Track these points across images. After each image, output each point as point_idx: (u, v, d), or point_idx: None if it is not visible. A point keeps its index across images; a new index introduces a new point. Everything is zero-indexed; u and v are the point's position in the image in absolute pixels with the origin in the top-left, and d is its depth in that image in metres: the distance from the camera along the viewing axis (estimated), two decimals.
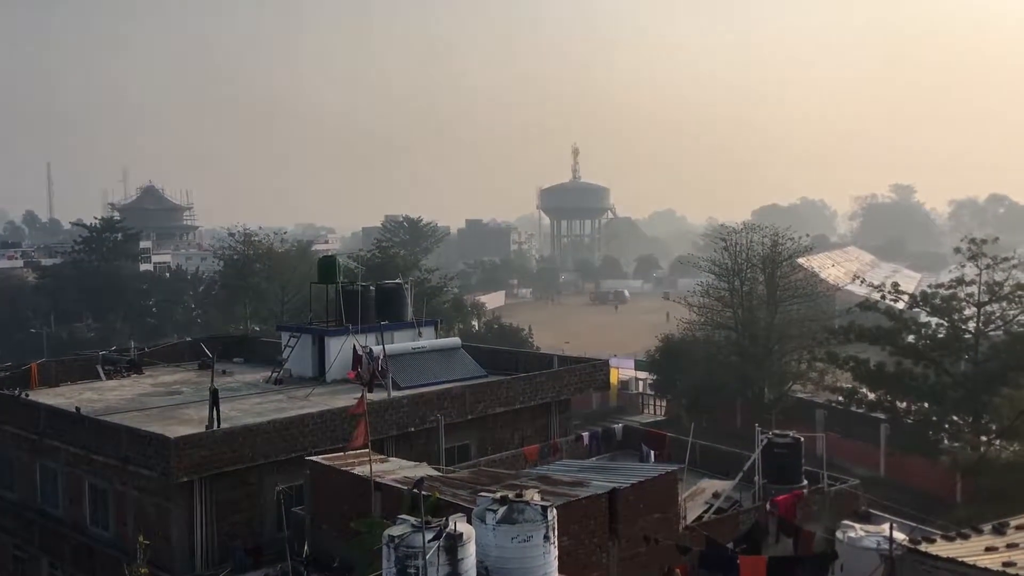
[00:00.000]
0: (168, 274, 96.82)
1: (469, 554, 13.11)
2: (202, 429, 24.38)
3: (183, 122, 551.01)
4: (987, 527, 16.75)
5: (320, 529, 20.83)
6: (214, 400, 25.17)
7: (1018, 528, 16.58)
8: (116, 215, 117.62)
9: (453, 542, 12.91)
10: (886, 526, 18.01)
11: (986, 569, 14.58)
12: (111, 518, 25.51)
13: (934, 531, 18.10)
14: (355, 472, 20.40)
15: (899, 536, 16.68)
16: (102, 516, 25.83)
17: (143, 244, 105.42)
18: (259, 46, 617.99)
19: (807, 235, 58.50)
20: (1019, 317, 39.27)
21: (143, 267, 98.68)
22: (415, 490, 16.59)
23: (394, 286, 36.96)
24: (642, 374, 58.32)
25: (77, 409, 26.82)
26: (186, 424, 25.85)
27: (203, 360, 35.89)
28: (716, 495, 23.84)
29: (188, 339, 44.58)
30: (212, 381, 26.30)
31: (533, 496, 14.55)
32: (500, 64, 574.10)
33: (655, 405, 54.91)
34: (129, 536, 23.75)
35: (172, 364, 37.46)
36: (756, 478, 23.82)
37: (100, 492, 25.82)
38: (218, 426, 24.72)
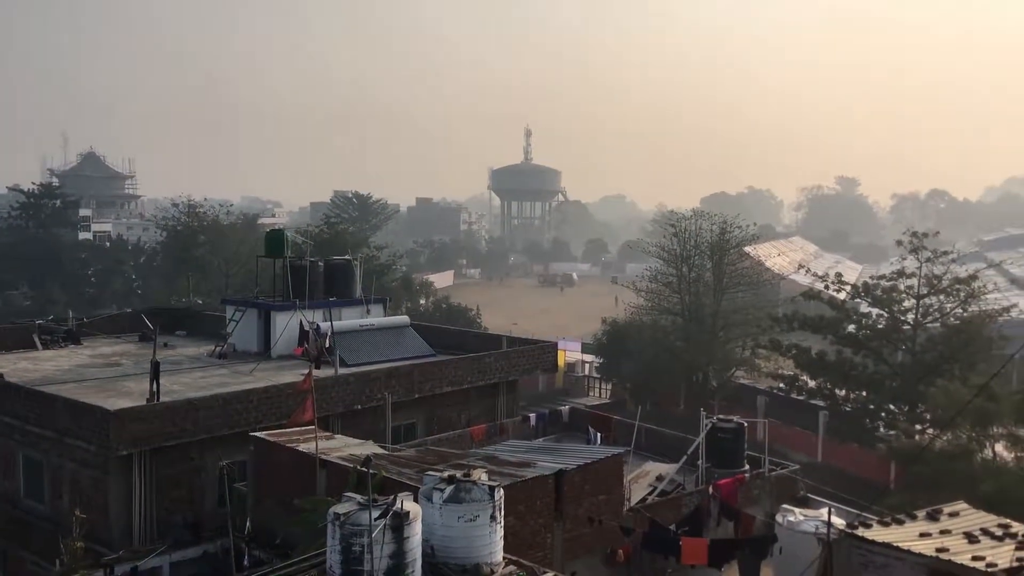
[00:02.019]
0: (108, 243, 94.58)
1: (415, 533, 13.06)
2: (143, 402, 23.88)
3: (126, 89, 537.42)
4: (921, 514, 17.22)
5: (263, 506, 20.59)
6: (155, 373, 24.63)
7: (950, 515, 17.07)
8: (55, 181, 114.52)
9: (399, 520, 12.84)
10: (824, 511, 18.42)
11: (920, 554, 14.98)
12: (46, 491, 24.87)
13: (870, 516, 18.53)
14: (300, 449, 20.18)
15: (837, 521, 17.04)
16: (36, 489, 25.17)
17: (83, 212, 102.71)
18: (207, 14, 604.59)
19: (754, 224, 59.38)
20: (956, 310, 40.36)
21: (82, 235, 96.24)
22: (363, 468, 16.48)
23: (343, 262, 36.53)
24: (589, 357, 58.73)
25: (1, 376, 26.13)
26: (126, 397, 25.27)
27: (144, 332, 35.12)
28: (660, 478, 24.13)
29: (128, 310, 43.63)
30: (154, 354, 25.74)
31: (480, 476, 14.54)
32: (453, 44, 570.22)
33: (601, 388, 55.35)
34: (65, 510, 23.20)
35: (111, 336, 36.60)
36: (700, 462, 24.15)
37: (35, 464, 25.15)
38: (159, 399, 24.23)
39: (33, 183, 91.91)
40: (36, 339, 33.73)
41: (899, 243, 44.10)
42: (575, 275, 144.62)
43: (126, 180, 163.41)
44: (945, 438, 28.28)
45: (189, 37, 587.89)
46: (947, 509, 17.28)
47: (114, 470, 22.68)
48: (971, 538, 15.67)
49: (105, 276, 78.92)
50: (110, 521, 22.81)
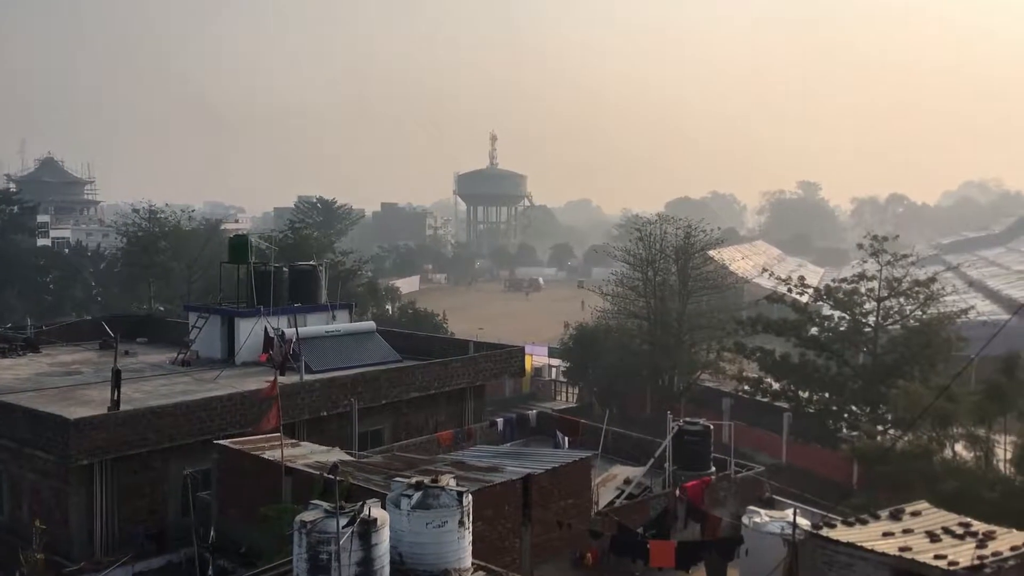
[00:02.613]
0: (67, 250, 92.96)
1: (383, 540, 12.97)
2: (103, 411, 23.50)
3: (86, 94, 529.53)
4: (884, 513, 17.43)
5: (227, 514, 20.35)
6: (116, 381, 24.26)
7: (913, 514, 17.30)
8: (12, 187, 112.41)
9: (367, 527, 12.75)
10: (790, 512, 18.58)
11: (883, 553, 15.16)
12: (5, 502, 24.42)
13: (834, 517, 18.73)
14: (265, 456, 19.99)
15: (802, 521, 17.21)
16: None
17: (41, 218, 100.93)
18: (165, 17, 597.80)
19: (718, 228, 59.89)
20: (915, 312, 41.00)
21: (40, 242, 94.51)
22: (329, 475, 16.35)
23: (308, 268, 36.30)
24: (556, 361, 58.79)
25: None
26: (86, 406, 24.87)
27: (104, 340, 34.61)
28: (628, 481, 24.21)
29: (88, 318, 42.95)
30: (115, 361, 25.36)
31: (448, 481, 14.48)
32: (418, 48, 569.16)
33: (567, 392, 55.43)
34: (25, 521, 22.77)
35: (71, 344, 36.05)
36: (667, 464, 24.27)
37: None
38: (120, 408, 23.85)
39: None
40: None
41: (860, 247, 44.72)
42: (541, 280, 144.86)
43: (85, 185, 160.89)
44: (906, 438, 28.68)
45: (148, 41, 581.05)
46: (909, 509, 17.52)
47: (74, 480, 22.30)
48: (933, 537, 15.90)
49: (64, 283, 77.53)
50: (71, 532, 22.43)
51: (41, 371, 30.64)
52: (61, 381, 28.87)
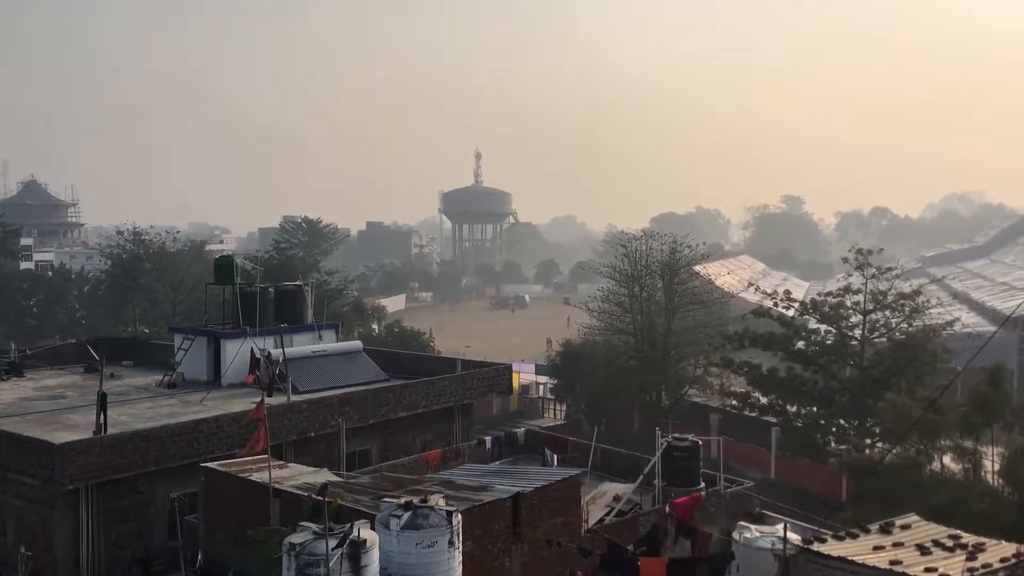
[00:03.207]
0: (51, 273, 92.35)
1: (373, 561, 12.91)
2: (89, 435, 23.30)
3: (68, 116, 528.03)
4: (874, 527, 17.46)
5: (215, 538, 20.17)
6: (102, 404, 24.06)
7: (903, 528, 17.34)
8: None
9: (357, 549, 12.68)
10: (780, 527, 18.57)
11: (874, 567, 15.19)
12: None
13: (825, 531, 18.74)
14: (252, 478, 19.83)
15: (792, 536, 17.22)
16: None
17: (24, 241, 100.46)
18: (146, 38, 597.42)
19: (703, 243, 60.12)
20: (901, 325, 41.23)
21: (24, 265, 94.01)
22: (318, 496, 16.24)
23: (293, 288, 36.20)
24: (543, 378, 58.75)
25: None
26: (71, 430, 24.65)
27: (89, 363, 34.35)
28: (617, 498, 24.13)
29: (73, 341, 42.65)
30: (100, 385, 25.17)
31: (437, 501, 14.42)
32: (400, 66, 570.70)
33: (555, 409, 55.37)
34: (10, 547, 22.48)
35: (56, 367, 35.76)
36: (656, 481, 24.23)
37: None
38: (106, 431, 23.66)
39: None
40: None
41: (845, 260, 45.00)
42: (527, 297, 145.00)
43: (69, 208, 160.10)
44: (895, 451, 28.76)
45: (130, 63, 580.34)
46: (899, 522, 17.56)
47: (60, 505, 22.08)
48: (923, 550, 15.94)
49: (48, 306, 77.02)
50: (56, 557, 22.18)
51: (25, 395, 30.37)
52: (46, 405, 28.62)
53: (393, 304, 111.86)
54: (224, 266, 35.52)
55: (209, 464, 21.06)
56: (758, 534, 19.39)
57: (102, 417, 23.98)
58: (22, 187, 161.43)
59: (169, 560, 21.82)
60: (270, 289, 34.70)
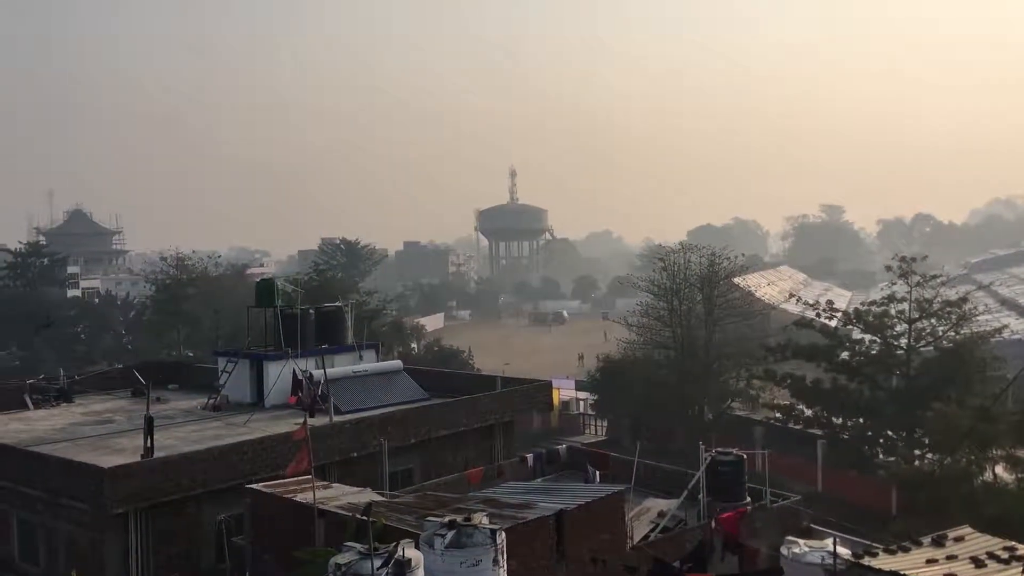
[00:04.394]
0: (97, 300, 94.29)
1: None
2: (137, 458, 23.65)
3: (111, 145, 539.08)
4: (926, 540, 17.08)
5: (262, 559, 20.31)
6: (149, 428, 24.44)
7: (956, 540, 16.94)
8: (42, 239, 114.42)
9: (401, 568, 12.69)
10: (829, 541, 18.26)
11: None
12: (41, 554, 24.53)
13: (875, 545, 18.39)
14: (297, 499, 19.97)
15: (842, 551, 16.92)
16: (32, 552, 24.83)
17: (71, 269, 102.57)
18: (185, 67, 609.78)
19: (742, 255, 59.67)
20: (948, 333, 40.51)
21: (71, 293, 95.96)
22: (363, 516, 16.32)
23: (333, 309, 36.51)
24: (583, 395, 58.53)
25: None
26: (120, 454, 25.04)
27: (136, 387, 34.92)
28: (662, 514, 23.90)
29: (119, 366, 43.37)
30: (147, 408, 25.56)
31: (481, 520, 14.40)
32: (436, 85, 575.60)
33: (596, 425, 55.10)
34: (61, 572, 22.84)
35: (103, 392, 36.36)
36: (701, 496, 23.96)
37: (29, 527, 24.82)
38: (153, 455, 24.00)
39: (20, 242, 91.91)
40: (27, 399, 33.49)
41: (888, 268, 44.38)
42: (565, 313, 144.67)
43: (114, 236, 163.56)
44: (945, 462, 28.22)
45: (172, 95, 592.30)
46: (952, 534, 17.16)
47: (110, 529, 22.39)
48: (978, 563, 15.55)
49: (95, 332, 78.57)
50: None
51: (74, 421, 30.91)
52: (94, 430, 29.10)
53: (432, 323, 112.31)
54: (265, 289, 35.95)
55: (254, 486, 21.24)
56: (807, 549, 19.05)
57: (149, 441, 24.35)
58: (68, 216, 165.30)
59: None
60: (310, 311, 35.03)
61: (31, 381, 35.81)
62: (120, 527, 22.45)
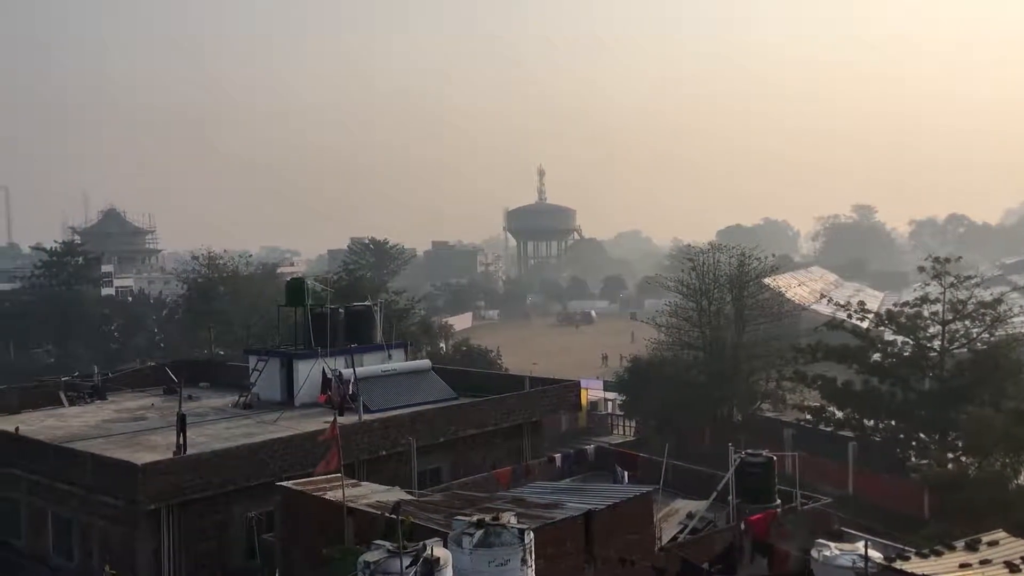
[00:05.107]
0: (130, 298, 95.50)
1: None
2: (169, 455, 23.93)
3: (143, 145, 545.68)
4: (960, 544, 16.86)
5: (291, 556, 20.47)
6: (181, 425, 24.71)
7: (990, 544, 16.71)
8: (77, 239, 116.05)
9: (430, 567, 12.73)
10: (860, 544, 18.07)
11: None
12: (75, 549, 24.90)
13: (908, 548, 18.18)
14: (327, 497, 20.11)
15: (874, 554, 16.74)
16: (66, 547, 25.21)
17: (105, 268, 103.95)
18: (216, 68, 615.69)
19: (772, 255, 59.18)
20: (983, 335, 39.95)
21: (105, 291, 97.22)
22: (392, 515, 16.40)
23: (363, 308, 36.70)
24: (611, 395, 58.36)
25: (16, 429, 26.51)
26: (152, 451, 25.36)
27: (168, 385, 35.33)
28: (690, 515, 23.81)
29: (152, 364, 43.86)
30: (179, 406, 25.85)
31: (509, 519, 14.41)
32: (464, 85, 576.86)
33: (624, 425, 54.92)
34: (95, 567, 23.16)
35: (136, 390, 36.81)
36: (730, 498, 23.82)
37: (64, 522, 25.20)
38: (185, 452, 24.27)
39: (55, 242, 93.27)
40: (62, 396, 34.00)
41: (921, 269, 43.84)
42: (594, 313, 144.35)
43: (147, 235, 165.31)
44: (978, 465, 27.83)
45: (204, 98, 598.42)
46: (986, 538, 16.93)
47: (142, 525, 22.67)
48: (1012, 567, 15.33)
49: (128, 331, 79.57)
50: None
51: (108, 418, 31.33)
52: (127, 427, 29.48)
53: (460, 323, 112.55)
54: (295, 288, 36.23)
55: (284, 483, 21.41)
56: (838, 552, 18.86)
57: (182, 438, 24.63)
58: (102, 216, 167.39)
59: None
60: (340, 310, 35.24)
61: (66, 378, 36.35)
62: (152, 523, 22.73)
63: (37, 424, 29.85)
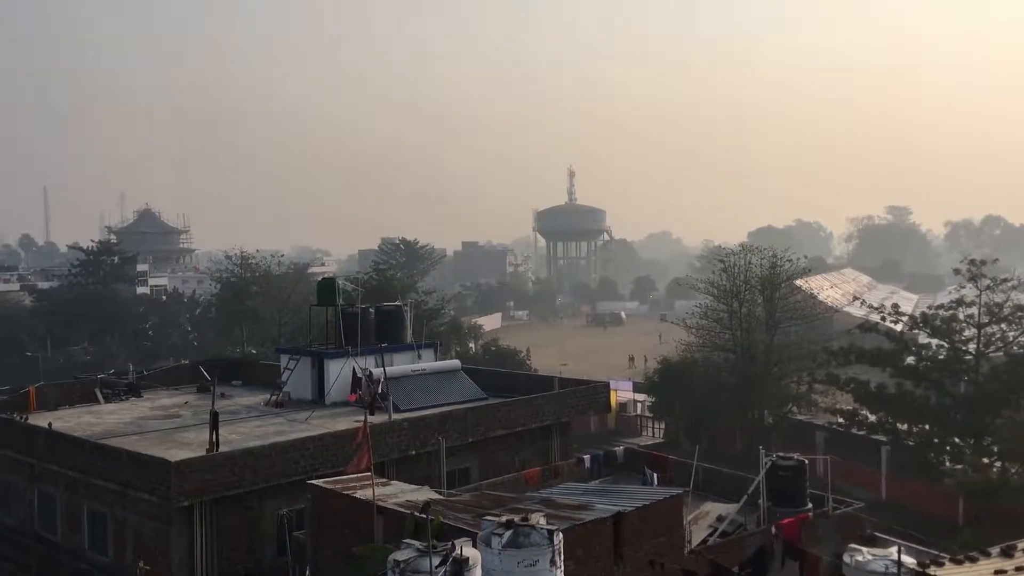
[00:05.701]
0: (165, 297, 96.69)
1: None
2: (202, 453, 24.20)
3: (180, 146, 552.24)
4: (995, 550, 16.62)
5: (321, 554, 20.63)
6: (214, 423, 24.97)
7: None
8: (113, 238, 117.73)
9: (459, 567, 12.77)
10: (893, 549, 17.86)
11: None
12: (110, 543, 25.26)
13: (942, 554, 17.97)
14: (357, 496, 20.23)
15: (907, 560, 16.54)
16: (101, 541, 25.58)
17: (140, 267, 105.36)
18: (251, 73, 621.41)
19: (804, 257, 58.63)
20: (1019, 338, 39.34)
21: (140, 290, 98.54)
22: (421, 513, 16.47)
23: (393, 308, 36.85)
24: (640, 396, 58.15)
25: (49, 424, 26.98)
26: (186, 448, 25.66)
27: (201, 383, 35.71)
28: (720, 518, 23.66)
29: (186, 362, 44.37)
30: (212, 404, 26.13)
31: (538, 520, 14.41)
32: (495, 86, 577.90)
33: (654, 427, 54.70)
34: (128, 562, 23.48)
35: (170, 387, 37.26)
36: (761, 501, 23.65)
37: (99, 517, 25.57)
38: (218, 449, 24.53)
39: (92, 241, 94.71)
40: (98, 393, 34.47)
41: (956, 272, 43.25)
42: (623, 314, 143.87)
43: (181, 235, 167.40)
44: (1015, 471, 27.41)
45: (238, 100, 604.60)
46: (1021, 544, 16.66)
47: (176, 521, 22.94)
48: None
49: (162, 329, 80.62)
50: (172, 572, 23.02)
51: (143, 415, 31.74)
52: (161, 424, 29.84)
53: (489, 323, 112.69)
54: (326, 288, 36.47)
55: (315, 481, 21.57)
56: (870, 557, 18.64)
57: (214, 436, 24.89)
58: (138, 216, 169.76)
59: None
60: (370, 310, 35.41)
61: (102, 376, 36.86)
62: (186, 519, 22.99)
63: (74, 421, 30.32)
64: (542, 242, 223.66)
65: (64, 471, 26.01)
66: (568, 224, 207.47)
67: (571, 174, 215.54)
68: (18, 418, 29.50)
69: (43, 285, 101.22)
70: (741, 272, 51.12)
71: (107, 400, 34.28)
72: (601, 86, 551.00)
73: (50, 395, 33.53)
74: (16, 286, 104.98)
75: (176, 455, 23.75)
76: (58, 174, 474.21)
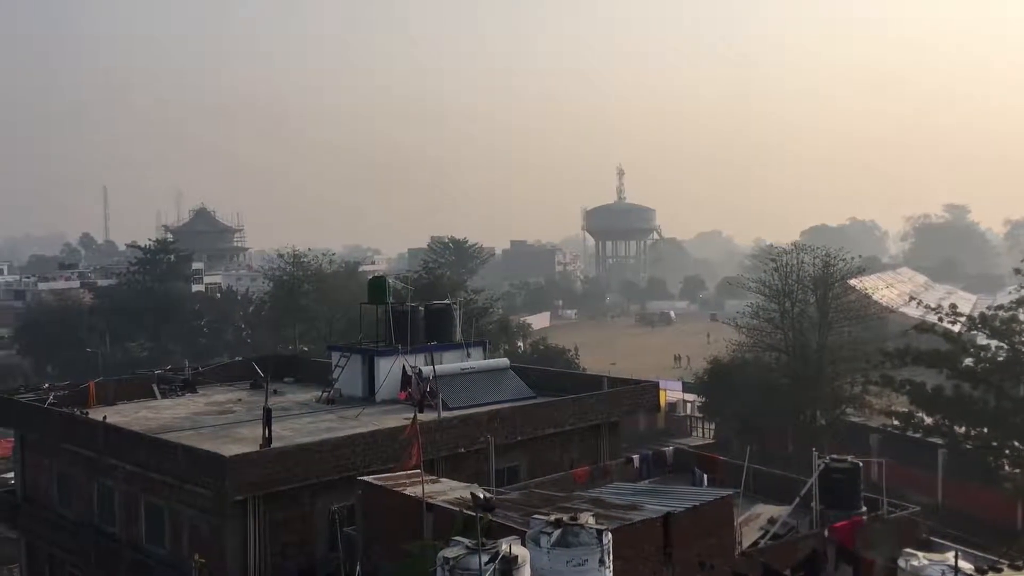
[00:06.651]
0: (219, 295, 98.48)
1: None
2: (256, 448, 24.59)
3: (234, 145, 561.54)
4: None
5: (372, 550, 20.84)
6: (267, 419, 25.35)
7: None
8: (169, 237, 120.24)
9: (508, 565, 12.82)
10: (950, 554, 17.55)
11: None
12: (167, 536, 25.81)
13: (1000, 560, 17.58)
14: (407, 493, 20.40)
15: (964, 565, 16.23)
16: (158, 534, 26.14)
17: (195, 265, 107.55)
18: (305, 76, 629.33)
19: (859, 256, 57.63)
20: None
21: (195, 288, 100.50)
22: (485, 509, 16.59)
23: (442, 307, 37.00)
24: (690, 396, 57.76)
25: (104, 417, 27.61)
26: (240, 443, 26.07)
27: (255, 380, 36.27)
28: (772, 520, 23.37)
29: (240, 359, 45.06)
30: (266, 400, 26.53)
31: (587, 519, 14.41)
32: (545, 83, 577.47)
33: (703, 428, 54.29)
34: (184, 555, 23.96)
35: (225, 384, 37.89)
36: (813, 503, 23.32)
37: (156, 510, 26.13)
38: (271, 445, 24.90)
39: (149, 239, 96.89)
40: (155, 389, 35.20)
41: (1017, 271, 42.19)
42: (673, 313, 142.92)
43: (235, 233, 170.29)
44: None
45: (291, 100, 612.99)
46: None
47: (230, 516, 23.32)
48: None
49: (217, 326, 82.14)
50: (227, 566, 23.42)
51: (198, 410, 32.32)
52: (216, 420, 30.37)
53: (538, 322, 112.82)
54: (377, 286, 36.77)
55: (366, 478, 21.79)
56: (926, 562, 18.36)
57: (268, 431, 25.27)
58: (193, 215, 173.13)
59: (331, 572, 22.67)
60: (420, 308, 35.62)
61: (159, 372, 37.63)
62: (240, 514, 23.37)
63: (131, 415, 31.00)
64: (591, 241, 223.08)
65: (123, 465, 26.63)
66: (617, 223, 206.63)
67: (620, 173, 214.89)
68: (78, 412, 30.29)
69: (103, 283, 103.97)
70: (793, 271, 50.45)
71: (163, 395, 35.00)
72: (653, 84, 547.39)
73: (109, 390, 34.32)
74: (77, 284, 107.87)
75: (230, 450, 24.16)
76: (117, 173, 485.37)
